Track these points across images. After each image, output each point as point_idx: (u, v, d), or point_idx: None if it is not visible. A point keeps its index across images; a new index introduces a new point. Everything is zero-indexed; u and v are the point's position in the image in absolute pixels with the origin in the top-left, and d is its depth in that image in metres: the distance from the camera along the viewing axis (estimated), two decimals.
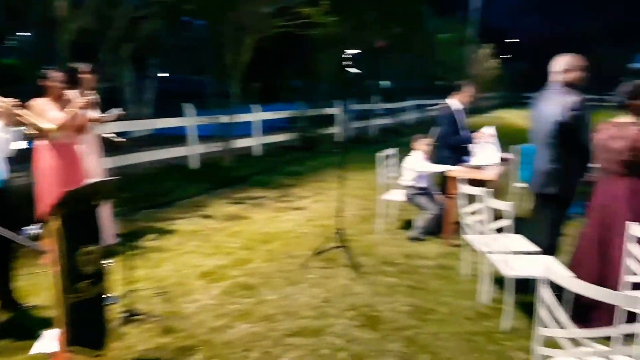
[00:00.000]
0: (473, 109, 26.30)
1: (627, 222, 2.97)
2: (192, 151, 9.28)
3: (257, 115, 11.20)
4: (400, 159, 5.65)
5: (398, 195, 5.63)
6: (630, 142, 3.15)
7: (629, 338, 2.98)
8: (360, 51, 4.60)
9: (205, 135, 9.53)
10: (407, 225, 5.75)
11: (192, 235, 5.41)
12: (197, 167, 9.23)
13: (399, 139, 14.09)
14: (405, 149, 5.82)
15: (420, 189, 5.35)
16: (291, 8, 8.92)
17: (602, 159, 3.35)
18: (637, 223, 2.95)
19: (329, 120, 13.89)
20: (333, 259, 4.65)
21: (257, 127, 11.26)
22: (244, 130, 10.78)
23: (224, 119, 9.61)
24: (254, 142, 11.24)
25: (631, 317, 2.04)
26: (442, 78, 22.87)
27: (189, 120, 9.27)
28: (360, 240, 5.33)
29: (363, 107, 16.19)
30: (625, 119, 3.27)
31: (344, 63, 4.56)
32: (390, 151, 5.86)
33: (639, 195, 3.24)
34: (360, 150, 11.79)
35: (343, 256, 4.62)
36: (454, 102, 5.50)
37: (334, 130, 13.98)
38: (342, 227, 4.73)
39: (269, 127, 12.11)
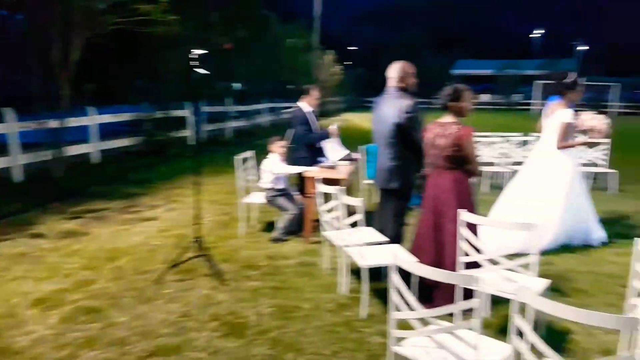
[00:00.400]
0: (322, 112, 27.53)
1: (457, 209, 3.35)
2: (15, 162, 8.12)
3: (93, 119, 10.21)
4: (258, 162, 5.64)
5: (258, 198, 5.62)
6: (452, 139, 3.57)
7: (468, 312, 3.37)
8: (206, 52, 4.47)
9: (31, 143, 8.41)
10: (269, 227, 5.77)
11: (20, 258, 4.73)
12: (21, 180, 8.12)
13: (255, 141, 14.12)
14: (261, 152, 5.83)
15: (279, 190, 5.42)
16: (127, 4, 8.31)
17: (430, 155, 3.75)
18: (465, 209, 3.35)
19: (180, 122, 13.31)
20: (192, 269, 4.45)
21: (94, 131, 10.28)
22: (79, 135, 9.78)
23: (53, 123, 8.57)
24: (90, 148, 10.23)
25: (468, 294, 2.29)
26: (292, 82, 23.56)
27: (9, 127, 8.09)
28: (221, 246, 5.19)
29: (216, 109, 15.85)
30: (448, 119, 3.70)
31: (191, 63, 4.39)
32: (247, 154, 5.82)
33: (463, 184, 3.71)
34: (216, 153, 11.54)
35: (203, 265, 4.44)
36: (305, 105, 5.68)
37: (186, 133, 13.45)
38: (200, 235, 4.54)
39: (110, 131, 11.15)
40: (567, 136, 5.01)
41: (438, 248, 3.72)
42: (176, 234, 5.63)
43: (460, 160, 3.65)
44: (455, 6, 51.88)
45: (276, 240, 5.33)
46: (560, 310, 1.92)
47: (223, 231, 5.77)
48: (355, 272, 4.31)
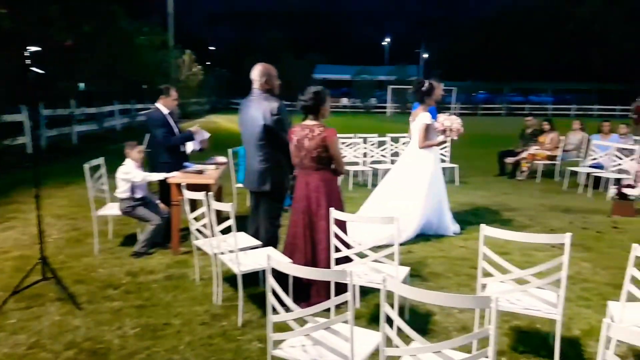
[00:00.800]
0: (184, 114, 26.49)
1: (329, 208, 3.43)
2: None
3: None
4: (112, 169, 5.17)
5: (113, 210, 5.16)
6: (318, 140, 3.66)
7: (343, 306, 3.47)
8: (41, 49, 3.98)
9: None
10: (129, 240, 5.34)
11: None
12: None
13: (108, 146, 13.03)
14: (116, 158, 5.37)
15: (138, 199, 5.00)
16: None
17: (299, 156, 3.79)
18: (334, 207, 3.45)
19: (16, 128, 11.69)
20: (39, 294, 3.92)
21: None
22: None
23: None
24: None
25: (342, 288, 2.34)
26: (147, 82, 22.20)
27: None
28: (73, 266, 4.67)
29: (59, 113, 14.17)
30: (311, 121, 3.77)
31: (26, 62, 3.88)
32: (99, 161, 5.31)
33: (331, 183, 3.83)
34: (61, 162, 10.38)
35: (52, 289, 3.94)
36: (162, 106, 5.35)
37: (24, 140, 11.88)
38: (45, 255, 4.00)
39: None
40: (428, 136, 5.51)
41: (312, 246, 3.79)
42: (16, 255, 4.93)
43: (327, 161, 3.75)
44: (312, 12, 53.89)
45: (138, 254, 4.93)
46: (421, 295, 2.05)
47: (74, 249, 5.19)
48: (230, 280, 4.19)
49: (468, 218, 6.48)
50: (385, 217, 3.32)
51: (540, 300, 2.91)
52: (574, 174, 8.73)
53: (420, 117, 5.50)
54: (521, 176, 9.47)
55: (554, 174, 9.58)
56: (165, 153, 5.25)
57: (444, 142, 5.66)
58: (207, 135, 5.54)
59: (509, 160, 9.72)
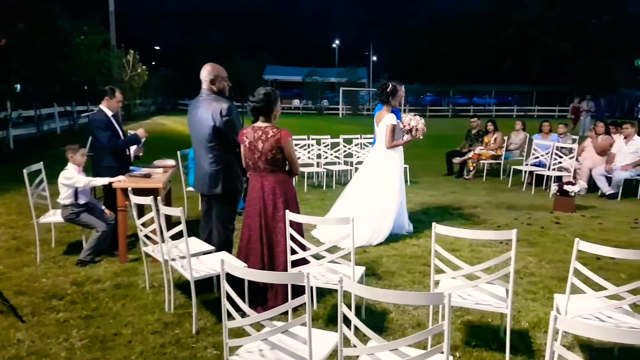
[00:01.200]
0: (129, 116, 25.62)
1: (286, 210, 3.41)
2: None
3: None
4: (53, 175, 4.91)
5: (56, 217, 4.90)
6: (272, 142, 3.60)
7: (300, 308, 3.46)
8: None
9: None
10: (74, 249, 5.09)
11: None
12: None
13: (47, 150, 12.40)
14: (57, 162, 5.11)
15: (82, 205, 4.77)
16: None
17: (252, 158, 3.72)
18: (290, 209, 3.43)
19: None
20: None
21: None
22: None
23: None
24: None
25: (300, 290, 2.33)
26: (89, 83, 21.31)
27: None
28: (14, 276, 4.41)
29: None
30: (263, 123, 3.70)
31: None
32: (39, 166, 5.03)
33: (287, 185, 3.79)
34: None
35: None
36: (106, 108, 5.15)
37: None
38: None
39: None
40: (394, 136, 5.61)
41: (270, 250, 3.73)
42: None
43: (282, 162, 3.71)
44: (261, 13, 53.58)
45: (83, 263, 4.70)
46: (377, 294, 2.06)
47: (14, 259, 4.90)
48: (182, 286, 4.08)
49: (419, 217, 6.63)
50: (340, 218, 3.33)
51: (490, 295, 3.01)
52: (518, 172, 9.11)
53: (386, 118, 5.59)
54: (468, 175, 9.79)
55: (499, 172, 9.96)
56: (109, 157, 5.05)
57: (410, 141, 5.79)
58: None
59: (457, 160, 10.03)
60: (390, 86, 5.66)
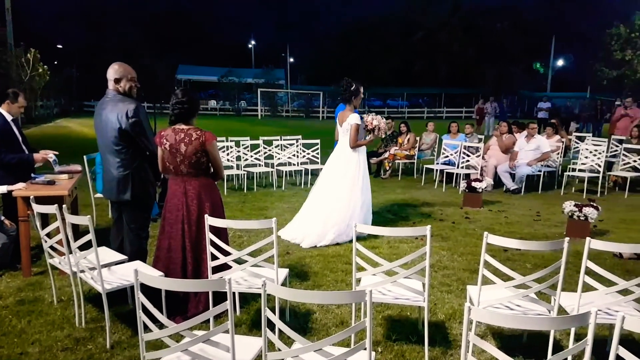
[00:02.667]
0: (29, 119, 23.64)
1: (205, 215, 3.30)
2: None
3: None
4: None
5: None
6: (196, 145, 3.47)
7: (223, 315, 3.37)
8: None
9: None
10: None
11: None
12: None
13: None
14: None
15: None
16: None
17: (173, 162, 3.56)
18: (215, 214, 3.33)
19: None
20: None
21: None
22: None
23: None
24: None
25: (222, 297, 2.25)
26: None
27: None
28: None
29: None
30: (184, 125, 3.54)
31: None
32: None
33: (212, 189, 3.65)
34: None
35: None
36: (6, 113, 4.70)
37: None
38: None
39: None
40: (359, 136, 5.64)
41: (195, 257, 3.58)
42: None
43: (206, 166, 3.57)
44: (171, 12, 51.66)
45: None
46: (300, 296, 2.06)
47: None
48: (94, 299, 3.83)
49: None
50: (264, 220, 3.29)
51: (408, 290, 3.11)
52: (430, 170, 9.58)
53: (350, 118, 5.61)
54: (385, 175, 10.13)
55: (413, 171, 10.41)
56: (2, 165, 4.60)
57: (372, 140, 5.91)
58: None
59: (373, 160, 10.34)
60: (353, 86, 5.73)
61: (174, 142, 3.49)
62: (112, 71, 3.81)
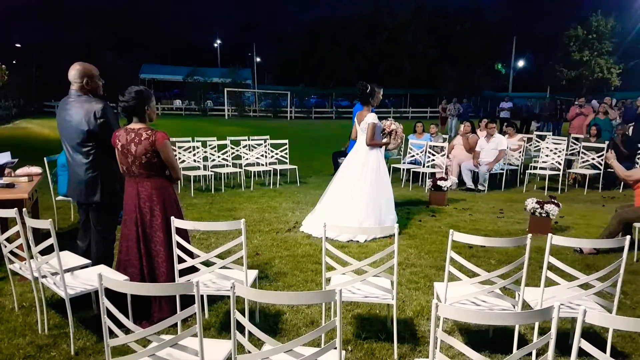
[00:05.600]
0: None
1: (166, 217, 3.24)
2: None
3: None
4: None
5: None
6: (146, 145, 3.38)
7: (190, 318, 3.33)
8: None
9: None
10: None
11: None
12: None
13: None
14: None
15: None
16: None
17: (126, 163, 3.47)
18: (172, 216, 3.26)
19: None
20: None
21: None
22: None
23: None
24: None
25: (189, 300, 2.22)
26: None
27: None
28: None
29: None
30: (138, 124, 3.46)
31: None
32: None
33: (166, 191, 3.55)
34: None
35: None
36: None
37: None
38: None
39: None
40: (375, 135, 5.91)
41: (149, 261, 3.51)
42: None
43: (159, 167, 3.48)
44: (132, 11, 50.57)
45: None
46: (270, 297, 2.05)
47: None
48: (57, 305, 3.71)
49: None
50: (232, 221, 3.26)
51: (377, 288, 3.15)
52: (397, 170, 9.69)
53: (368, 117, 5.90)
54: None
55: None
56: None
57: (387, 143, 6.15)
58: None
59: (342, 160, 10.36)
60: (369, 87, 5.98)
61: (125, 142, 3.40)
62: (74, 72, 3.70)
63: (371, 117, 5.89)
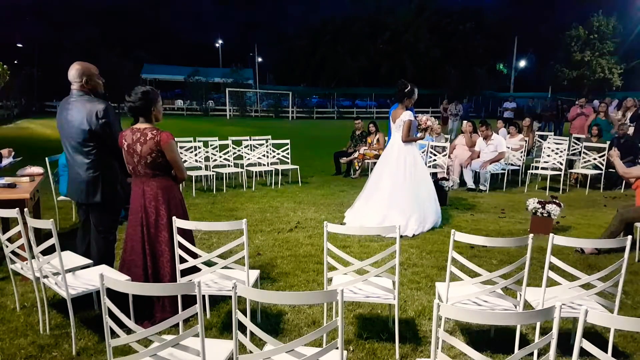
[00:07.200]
0: None
1: (171, 217, 3.24)
2: None
3: None
4: None
5: None
6: (152, 145, 3.39)
7: (192, 318, 3.33)
8: None
9: None
10: None
11: None
12: None
13: None
14: None
15: None
16: None
17: (132, 163, 3.49)
18: (176, 216, 3.27)
19: None
20: None
21: None
22: None
23: None
24: None
25: (191, 300, 2.23)
26: None
27: None
28: None
29: None
30: (143, 124, 3.47)
31: None
32: None
33: (171, 191, 3.56)
34: None
35: None
36: None
37: None
38: None
39: None
40: (411, 131, 6.14)
41: (154, 261, 3.52)
42: None
43: (165, 167, 3.49)
44: (135, 10, 50.56)
45: None
46: (272, 297, 2.05)
47: None
48: (59, 305, 3.72)
49: (311, 215, 6.75)
50: (234, 221, 3.26)
51: (379, 288, 3.15)
52: None
53: (403, 115, 6.11)
54: (355, 175, 10.19)
55: None
56: None
57: (423, 137, 6.41)
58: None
59: (343, 160, 10.39)
60: (409, 86, 6.18)
61: (131, 142, 3.41)
62: (74, 71, 3.70)
63: (407, 115, 6.10)
